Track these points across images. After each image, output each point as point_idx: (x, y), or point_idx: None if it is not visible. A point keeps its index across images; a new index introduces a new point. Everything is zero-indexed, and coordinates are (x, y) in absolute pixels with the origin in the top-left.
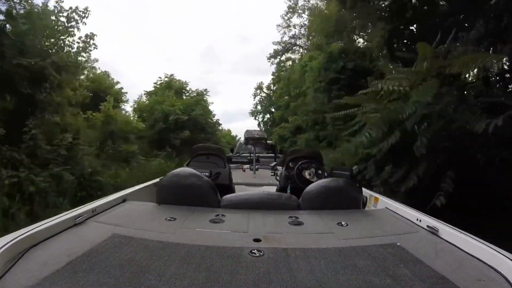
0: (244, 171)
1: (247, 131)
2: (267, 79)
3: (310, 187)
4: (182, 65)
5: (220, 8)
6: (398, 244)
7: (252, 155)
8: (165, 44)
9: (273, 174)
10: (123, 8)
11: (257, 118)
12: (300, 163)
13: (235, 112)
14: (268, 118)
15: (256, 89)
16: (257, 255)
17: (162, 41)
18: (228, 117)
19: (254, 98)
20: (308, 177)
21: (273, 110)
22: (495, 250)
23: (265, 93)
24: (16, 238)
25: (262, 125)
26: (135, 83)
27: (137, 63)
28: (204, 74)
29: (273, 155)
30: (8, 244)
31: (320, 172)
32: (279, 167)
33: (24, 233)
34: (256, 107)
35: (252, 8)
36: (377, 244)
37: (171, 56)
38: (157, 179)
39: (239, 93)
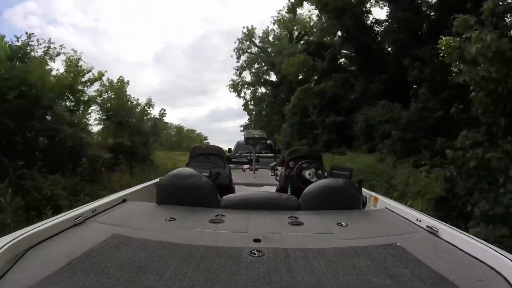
0: (244, 171)
1: (247, 131)
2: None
3: (310, 187)
4: (169, 63)
5: (210, 6)
6: (398, 244)
7: (251, 154)
8: (151, 41)
9: (273, 174)
10: (110, 4)
11: (242, 94)
12: (300, 163)
13: (225, 112)
14: (264, 93)
15: (242, 41)
16: (257, 255)
17: (148, 38)
18: (218, 117)
19: (238, 58)
20: (308, 177)
21: (272, 78)
22: (495, 250)
23: (258, 47)
24: (16, 238)
25: (252, 103)
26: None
27: (123, 61)
28: (192, 73)
29: (272, 155)
30: (8, 244)
31: (320, 172)
32: (279, 167)
33: (24, 233)
34: (240, 74)
35: (243, 6)
36: (376, 244)
37: (158, 54)
38: (157, 179)
39: (229, 93)
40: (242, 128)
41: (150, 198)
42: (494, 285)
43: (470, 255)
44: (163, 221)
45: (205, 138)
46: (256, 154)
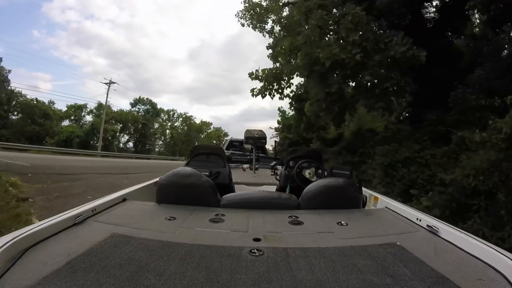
0: (244, 170)
1: (247, 131)
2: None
3: (310, 186)
4: (203, 61)
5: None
6: (398, 243)
7: (251, 154)
8: (186, 38)
9: (273, 173)
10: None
11: (268, 25)
12: (300, 162)
13: (257, 112)
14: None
15: None
16: (257, 254)
17: (183, 35)
18: (250, 116)
19: None
20: (308, 176)
21: None
22: (495, 249)
23: None
24: (16, 237)
25: (282, 33)
26: (157, 74)
27: (158, 57)
28: (226, 71)
29: (264, 155)
30: (8, 244)
31: (320, 171)
32: (279, 167)
33: (24, 233)
34: None
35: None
36: (377, 244)
37: (192, 51)
38: (157, 179)
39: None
40: (256, 91)
41: (150, 197)
42: (494, 284)
43: (470, 254)
44: (163, 220)
45: (226, 135)
46: (254, 154)
